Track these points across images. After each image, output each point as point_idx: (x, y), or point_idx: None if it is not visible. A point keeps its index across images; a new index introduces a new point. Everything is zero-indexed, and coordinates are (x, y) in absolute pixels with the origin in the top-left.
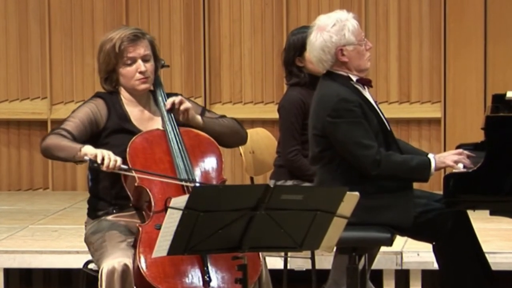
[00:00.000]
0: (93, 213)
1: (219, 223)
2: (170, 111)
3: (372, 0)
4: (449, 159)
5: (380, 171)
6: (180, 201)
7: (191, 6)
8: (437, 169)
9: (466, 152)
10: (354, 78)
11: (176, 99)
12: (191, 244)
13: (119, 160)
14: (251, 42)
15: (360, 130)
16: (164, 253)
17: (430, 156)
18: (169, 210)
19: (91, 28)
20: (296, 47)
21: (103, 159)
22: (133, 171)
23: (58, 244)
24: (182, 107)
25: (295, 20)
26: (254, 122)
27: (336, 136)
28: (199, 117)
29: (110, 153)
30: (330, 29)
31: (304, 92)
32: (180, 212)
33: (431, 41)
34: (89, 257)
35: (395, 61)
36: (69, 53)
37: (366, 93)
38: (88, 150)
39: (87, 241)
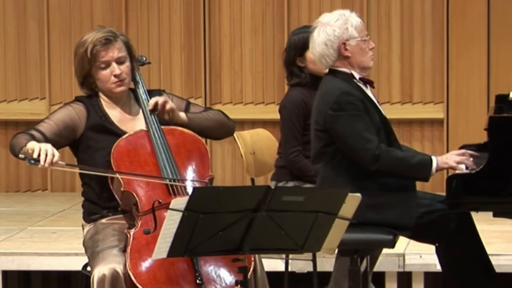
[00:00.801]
0: (88, 217)
1: (219, 225)
2: (153, 111)
3: (374, 0)
4: (452, 159)
5: (379, 166)
6: (180, 202)
7: (191, 6)
8: (439, 169)
9: (469, 151)
10: (356, 76)
11: (160, 99)
12: (191, 246)
13: (56, 155)
14: (252, 42)
15: (361, 123)
16: (164, 255)
17: (433, 156)
18: (169, 211)
19: (90, 28)
20: (297, 47)
21: (39, 155)
22: (67, 167)
23: (57, 246)
24: (167, 107)
25: (296, 20)
26: (255, 123)
27: (336, 129)
28: (183, 115)
29: (49, 147)
30: (334, 24)
31: (305, 92)
32: (180, 214)
33: (433, 41)
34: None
35: (397, 61)
36: (68, 53)
37: (369, 92)
38: (29, 145)
39: (84, 245)
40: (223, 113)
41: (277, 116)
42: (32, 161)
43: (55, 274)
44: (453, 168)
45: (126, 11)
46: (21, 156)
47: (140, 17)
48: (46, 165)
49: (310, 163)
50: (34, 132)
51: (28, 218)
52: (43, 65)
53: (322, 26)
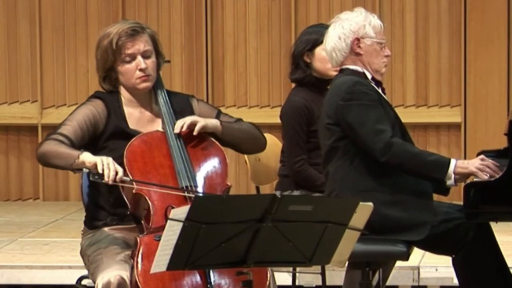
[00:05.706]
0: (91, 222)
1: (222, 236)
2: (179, 134)
3: None
4: (472, 165)
5: (390, 157)
6: (181, 212)
7: (193, 2)
8: (457, 173)
9: (490, 160)
10: (369, 76)
11: (185, 123)
12: (192, 258)
13: (120, 171)
14: (256, 41)
15: (374, 113)
16: (163, 268)
17: (453, 158)
18: (168, 222)
19: (84, 26)
20: (308, 41)
21: (103, 170)
22: (134, 183)
23: (50, 258)
24: (197, 128)
25: (304, 18)
26: (260, 127)
27: (348, 119)
28: (216, 123)
29: (111, 161)
30: (352, 19)
31: (307, 97)
32: (181, 224)
33: (450, 40)
34: (82, 272)
35: (412, 62)
36: (61, 53)
37: (381, 92)
38: (87, 158)
39: (82, 253)
40: (256, 126)
41: None
42: (96, 176)
43: None
44: (473, 174)
45: (123, 8)
46: (84, 170)
47: (138, 15)
48: (110, 182)
49: (316, 172)
50: (60, 137)
51: (19, 228)
52: (34, 66)
53: (340, 21)
